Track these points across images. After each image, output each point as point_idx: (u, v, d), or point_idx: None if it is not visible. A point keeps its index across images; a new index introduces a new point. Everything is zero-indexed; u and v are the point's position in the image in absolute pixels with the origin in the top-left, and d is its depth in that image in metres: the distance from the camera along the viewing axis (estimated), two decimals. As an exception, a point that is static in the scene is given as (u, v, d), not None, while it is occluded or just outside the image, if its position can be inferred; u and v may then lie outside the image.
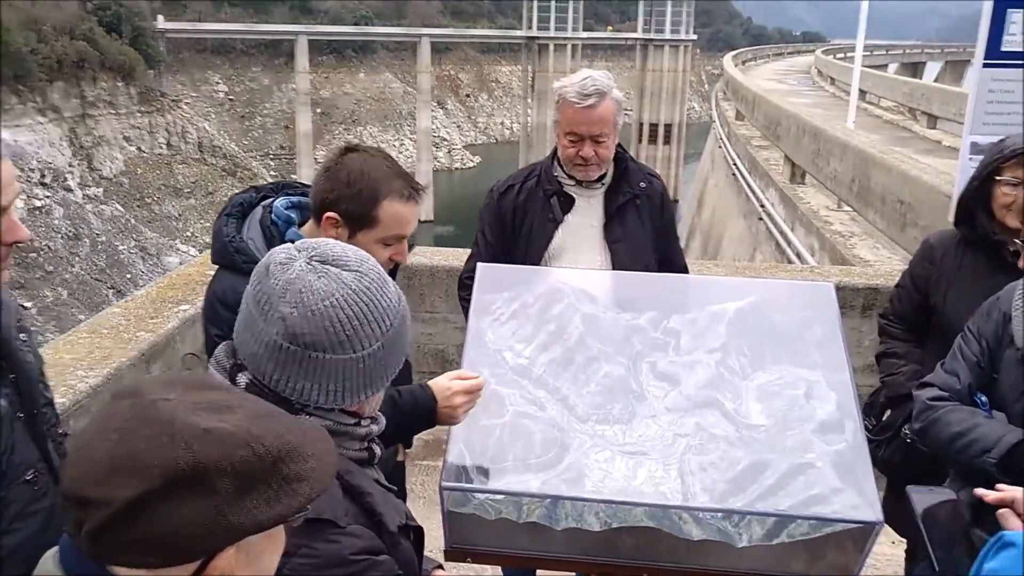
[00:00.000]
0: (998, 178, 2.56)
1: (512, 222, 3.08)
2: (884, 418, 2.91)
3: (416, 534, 1.61)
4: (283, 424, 1.04)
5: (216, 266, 2.24)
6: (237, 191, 2.41)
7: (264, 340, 1.34)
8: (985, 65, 4.08)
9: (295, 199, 2.25)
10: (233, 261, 2.13)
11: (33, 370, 1.79)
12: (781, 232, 13.20)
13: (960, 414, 2.14)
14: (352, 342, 1.35)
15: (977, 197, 2.65)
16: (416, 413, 2.09)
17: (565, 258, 3.02)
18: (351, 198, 2.06)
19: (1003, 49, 4.04)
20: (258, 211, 2.23)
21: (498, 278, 2.73)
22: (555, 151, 3.08)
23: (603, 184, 3.04)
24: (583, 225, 3.04)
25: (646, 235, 3.07)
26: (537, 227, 3.04)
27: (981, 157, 2.69)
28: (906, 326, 2.93)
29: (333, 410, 1.40)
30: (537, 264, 2.99)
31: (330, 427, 1.38)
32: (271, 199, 2.26)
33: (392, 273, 2.35)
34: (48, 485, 1.77)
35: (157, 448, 0.93)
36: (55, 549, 1.01)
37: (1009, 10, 4.01)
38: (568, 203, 3.04)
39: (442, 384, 2.13)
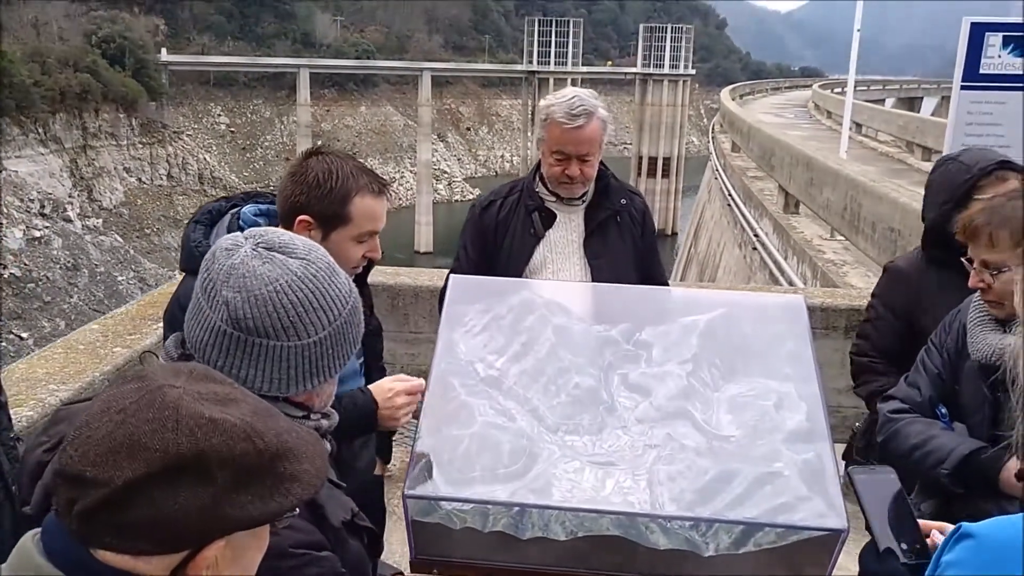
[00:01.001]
0: (978, 196, 2.51)
1: (493, 237, 3.09)
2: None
3: (370, 537, 1.59)
4: (282, 424, 1.05)
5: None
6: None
7: (209, 326, 1.34)
8: (963, 87, 4.12)
9: (263, 207, 2.26)
10: (198, 266, 2.14)
11: None
12: (775, 261, 13.23)
13: (918, 426, 2.14)
14: (296, 328, 1.34)
15: (953, 217, 2.61)
16: (357, 415, 2.08)
17: (546, 273, 3.03)
18: (321, 198, 2.08)
19: (981, 71, 4.08)
20: (226, 218, 2.24)
21: (471, 290, 2.72)
22: (537, 167, 3.09)
23: (584, 200, 3.05)
24: (564, 241, 3.05)
25: (626, 252, 3.07)
26: (518, 242, 3.05)
27: None
28: (890, 358, 2.79)
29: (279, 399, 1.37)
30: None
31: None
32: (240, 207, 2.27)
33: (364, 274, 2.36)
34: (-4, 488, 1.75)
35: (160, 432, 0.93)
36: (36, 531, 0.99)
37: (987, 33, 4.05)
38: (549, 219, 3.05)
39: (383, 386, 2.13)
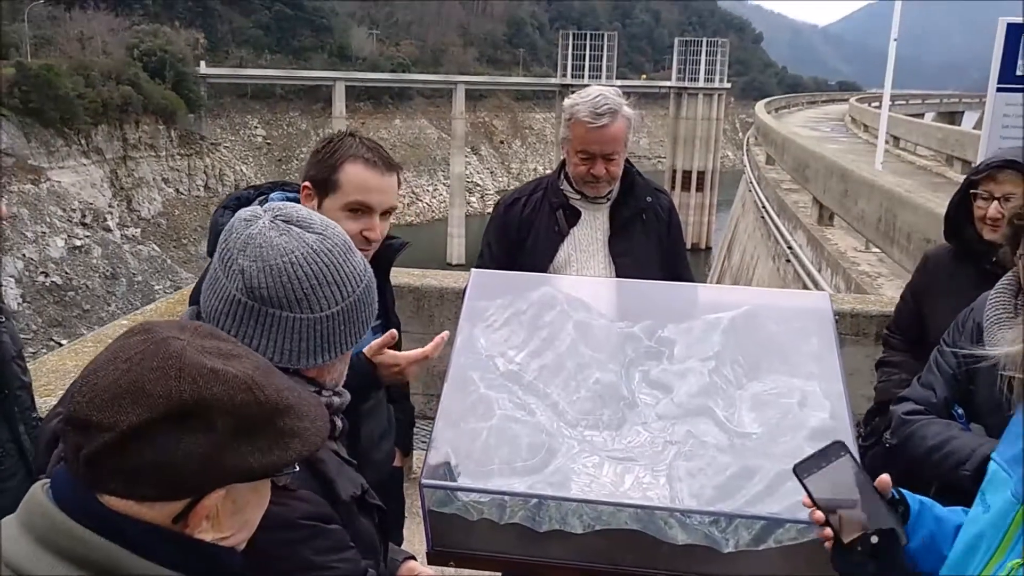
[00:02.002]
0: (973, 191, 2.59)
1: (517, 234, 3.08)
2: (871, 424, 2.88)
3: (381, 516, 1.58)
4: (284, 381, 1.08)
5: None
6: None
7: (224, 295, 1.35)
8: (999, 90, 4.05)
9: (291, 194, 2.27)
10: None
11: (8, 352, 1.80)
12: (808, 273, 13.07)
13: (936, 427, 2.09)
14: (309, 301, 1.35)
15: (962, 210, 2.67)
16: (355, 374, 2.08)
17: (570, 271, 3.02)
18: (317, 163, 2.13)
19: (1017, 73, 4.01)
20: (254, 205, 2.26)
21: (492, 285, 2.72)
22: (562, 164, 3.09)
23: (609, 199, 3.04)
24: (588, 238, 3.04)
25: (651, 250, 3.05)
26: (542, 239, 3.04)
27: None
28: (904, 337, 2.93)
29: (289, 371, 1.38)
30: None
31: None
32: (267, 194, 2.29)
33: (383, 265, 2.35)
34: (18, 467, 1.77)
35: (164, 379, 0.96)
36: (46, 480, 1.02)
37: (1024, 35, 3.98)
38: (574, 216, 3.04)
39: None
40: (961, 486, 2.02)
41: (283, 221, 1.38)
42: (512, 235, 3.09)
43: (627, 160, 3.02)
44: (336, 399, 1.47)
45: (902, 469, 2.63)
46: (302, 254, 1.35)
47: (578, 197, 3.03)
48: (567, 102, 2.99)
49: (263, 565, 1.26)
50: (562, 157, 3.11)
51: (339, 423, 1.50)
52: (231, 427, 0.97)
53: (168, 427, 0.94)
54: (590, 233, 3.04)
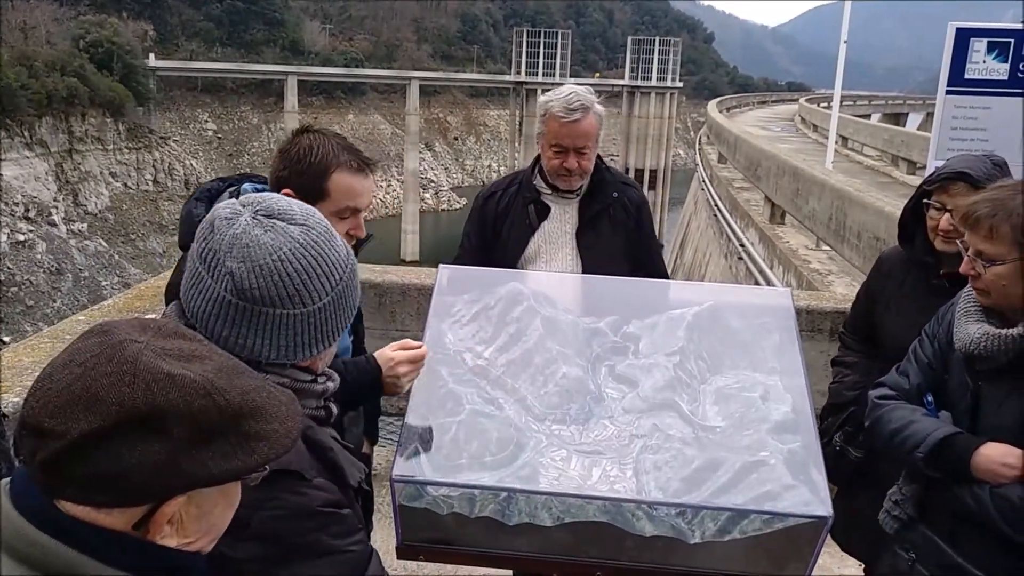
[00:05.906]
0: (926, 201, 2.59)
1: (493, 226, 3.21)
2: (822, 425, 2.91)
3: (365, 499, 1.60)
4: (251, 383, 1.04)
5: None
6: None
7: (212, 297, 1.32)
8: (948, 92, 4.16)
9: (260, 185, 2.27)
10: None
11: None
12: (760, 271, 13.29)
13: (901, 412, 2.16)
14: (302, 296, 1.34)
15: (915, 219, 2.69)
16: (361, 382, 2.10)
17: (539, 262, 3.14)
18: (301, 173, 2.13)
19: (966, 77, 4.13)
20: (225, 196, 2.25)
21: (460, 280, 2.74)
22: (536, 160, 3.18)
23: (578, 194, 3.14)
24: (558, 232, 3.15)
25: (618, 243, 3.14)
26: (515, 232, 3.16)
27: None
28: (858, 336, 2.96)
29: (287, 366, 1.38)
30: (513, 268, 3.08)
31: (287, 384, 1.37)
32: (237, 186, 2.28)
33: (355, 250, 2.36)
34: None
35: (116, 386, 0.93)
36: (6, 480, 1.00)
37: (972, 38, 4.10)
38: (544, 211, 3.15)
39: (386, 355, 2.14)
40: (917, 469, 2.09)
41: (265, 216, 1.35)
42: (488, 228, 3.21)
43: (599, 157, 3.13)
44: (330, 384, 1.48)
45: (852, 469, 2.72)
46: (289, 250, 1.33)
47: (549, 192, 3.14)
48: (542, 99, 3.11)
49: (286, 553, 1.30)
50: (536, 152, 3.20)
51: (334, 408, 1.50)
52: (188, 434, 0.94)
53: (121, 435, 0.92)
54: (559, 227, 3.15)
